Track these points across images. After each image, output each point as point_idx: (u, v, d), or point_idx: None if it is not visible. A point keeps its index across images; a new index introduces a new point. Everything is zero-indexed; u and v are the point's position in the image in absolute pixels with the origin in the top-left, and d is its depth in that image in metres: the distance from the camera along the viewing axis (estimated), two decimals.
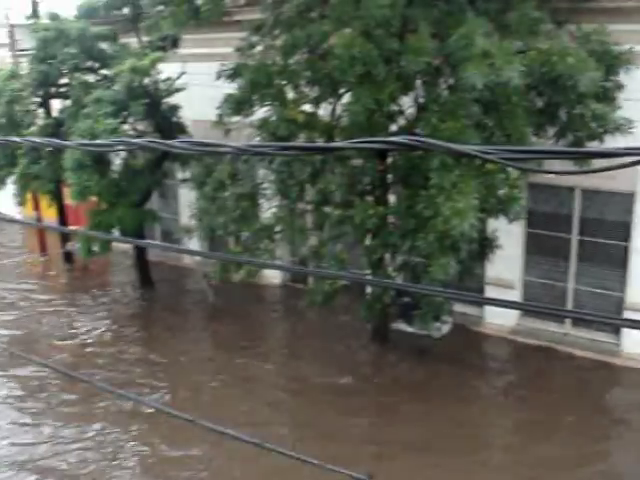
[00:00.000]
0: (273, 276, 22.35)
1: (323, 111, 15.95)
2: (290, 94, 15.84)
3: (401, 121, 15.54)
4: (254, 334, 20.19)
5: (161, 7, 19.15)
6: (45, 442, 15.30)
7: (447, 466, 13.69)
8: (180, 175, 21.73)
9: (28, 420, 16.31)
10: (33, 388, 17.51)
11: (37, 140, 4.30)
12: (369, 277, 15.87)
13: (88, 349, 19.70)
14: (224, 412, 15.39)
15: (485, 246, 16.20)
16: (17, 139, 4.95)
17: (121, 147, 4.17)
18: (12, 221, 20.08)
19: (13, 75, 22.28)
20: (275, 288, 22.67)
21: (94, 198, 20.41)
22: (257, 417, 15.42)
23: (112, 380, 17.13)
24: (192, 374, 17.98)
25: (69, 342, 20.00)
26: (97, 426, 15.70)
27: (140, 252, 23.31)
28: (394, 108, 15.11)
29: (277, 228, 16.01)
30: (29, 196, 24.19)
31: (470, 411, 15.65)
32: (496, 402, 16.26)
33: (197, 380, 17.64)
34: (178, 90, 20.60)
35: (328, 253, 15.63)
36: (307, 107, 15.85)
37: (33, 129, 21.55)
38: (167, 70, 20.54)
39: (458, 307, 18.43)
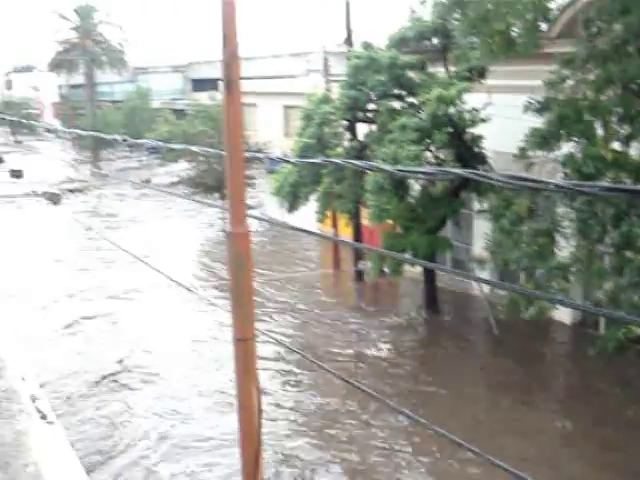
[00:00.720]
0: (562, 316, 21.56)
1: (634, 150, 15.18)
2: (599, 131, 15.26)
3: None
4: (533, 374, 19.58)
5: (472, 38, 19.28)
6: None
7: None
8: (477, 206, 21.67)
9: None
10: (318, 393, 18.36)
11: (365, 165, 4.46)
12: None
13: (369, 362, 20.35)
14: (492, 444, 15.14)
15: None
16: (337, 160, 5.18)
17: (448, 176, 4.21)
18: (313, 234, 21.22)
19: (325, 99, 23.51)
20: (563, 328, 21.86)
21: (390, 221, 20.97)
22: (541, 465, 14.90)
23: (386, 393, 17.49)
24: (463, 402, 17.78)
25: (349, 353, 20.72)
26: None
27: (430, 277, 23.53)
28: None
29: (573, 268, 15.44)
30: (329, 214, 25.35)
31: None
32: None
33: (467, 409, 17.43)
34: (482, 121, 20.54)
35: (626, 300, 14.77)
36: (616, 145, 15.17)
37: (339, 150, 22.60)
38: (471, 100, 20.59)
39: None
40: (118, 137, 9.93)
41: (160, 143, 10.46)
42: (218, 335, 21.45)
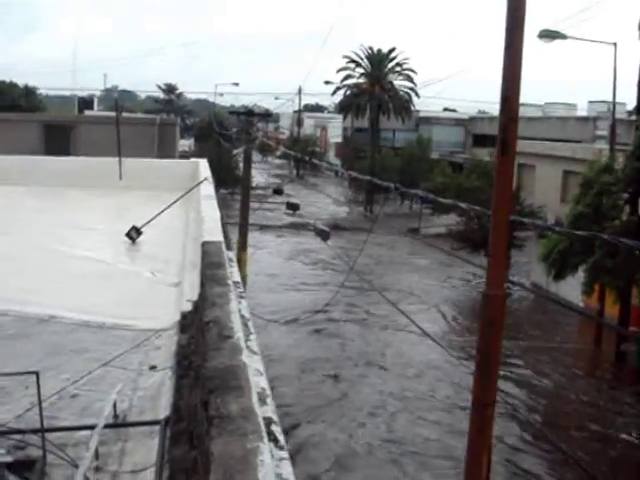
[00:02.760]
0: None
1: None
2: None
3: None
4: None
5: None
6: None
7: None
8: None
9: None
10: None
11: None
12: None
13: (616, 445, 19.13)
14: None
15: None
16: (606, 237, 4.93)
17: None
18: (571, 309, 20.38)
19: (607, 168, 22.61)
20: None
21: None
22: None
23: None
24: None
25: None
26: None
27: None
28: None
29: None
30: (596, 288, 24.15)
31: None
32: None
33: None
34: None
35: None
36: None
37: (616, 223, 21.57)
38: None
39: None
40: (391, 185, 10.16)
41: (430, 195, 10.50)
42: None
